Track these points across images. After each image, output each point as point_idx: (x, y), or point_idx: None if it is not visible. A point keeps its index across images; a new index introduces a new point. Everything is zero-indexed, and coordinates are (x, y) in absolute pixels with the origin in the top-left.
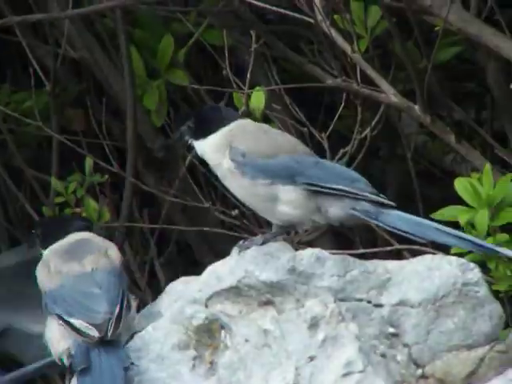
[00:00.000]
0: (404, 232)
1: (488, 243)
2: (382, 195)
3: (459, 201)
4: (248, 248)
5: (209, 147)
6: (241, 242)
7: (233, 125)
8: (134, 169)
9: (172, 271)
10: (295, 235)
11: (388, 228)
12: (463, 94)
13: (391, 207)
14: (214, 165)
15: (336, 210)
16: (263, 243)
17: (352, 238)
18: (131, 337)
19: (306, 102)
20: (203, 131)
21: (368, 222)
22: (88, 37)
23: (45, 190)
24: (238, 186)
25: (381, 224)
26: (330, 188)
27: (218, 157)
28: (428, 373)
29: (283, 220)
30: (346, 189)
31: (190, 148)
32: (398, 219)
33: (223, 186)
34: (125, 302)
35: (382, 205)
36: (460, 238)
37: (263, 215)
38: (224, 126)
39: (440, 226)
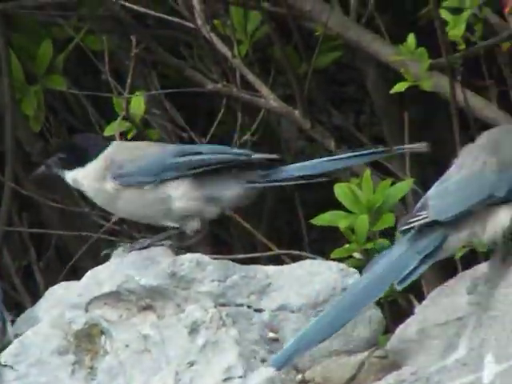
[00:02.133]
0: (306, 177)
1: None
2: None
3: (339, 206)
4: (134, 249)
5: (88, 174)
6: (128, 244)
7: (108, 149)
8: (12, 173)
9: (51, 276)
10: (177, 240)
11: (289, 182)
12: (342, 98)
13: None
14: (95, 191)
15: (228, 192)
16: (149, 246)
17: (232, 243)
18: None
19: (186, 107)
20: (78, 160)
21: (264, 184)
22: None
23: None
24: (126, 202)
25: (275, 182)
26: (216, 163)
27: (100, 182)
28: (308, 378)
29: (181, 217)
30: (232, 158)
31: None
32: (294, 170)
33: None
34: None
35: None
36: (348, 157)
37: (159, 222)
38: (100, 151)
39: (324, 158)
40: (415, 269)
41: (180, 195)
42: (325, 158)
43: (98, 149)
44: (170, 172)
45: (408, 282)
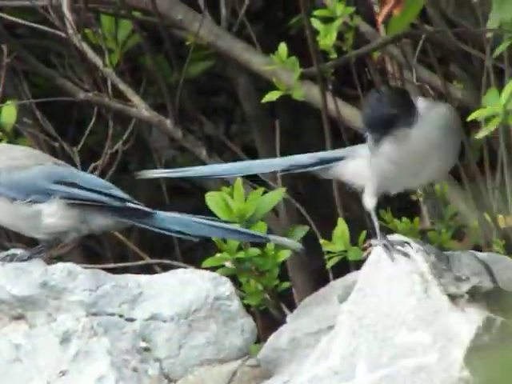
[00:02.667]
0: (174, 232)
1: (256, 231)
2: (137, 202)
3: (212, 214)
4: (12, 261)
5: None
6: (0, 255)
7: None
8: None
9: None
10: (50, 249)
11: (157, 230)
12: (213, 108)
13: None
14: None
15: (100, 219)
16: (29, 258)
17: (103, 253)
18: None
19: (56, 116)
20: None
21: (137, 225)
22: None
23: None
24: None
25: (150, 227)
26: (88, 200)
27: None
28: None
29: (50, 233)
30: (105, 200)
31: None
32: (170, 222)
33: None
34: None
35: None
36: (227, 229)
37: (28, 234)
38: None
39: (202, 220)
40: None
41: (51, 212)
42: (204, 221)
43: None
44: (43, 196)
45: None
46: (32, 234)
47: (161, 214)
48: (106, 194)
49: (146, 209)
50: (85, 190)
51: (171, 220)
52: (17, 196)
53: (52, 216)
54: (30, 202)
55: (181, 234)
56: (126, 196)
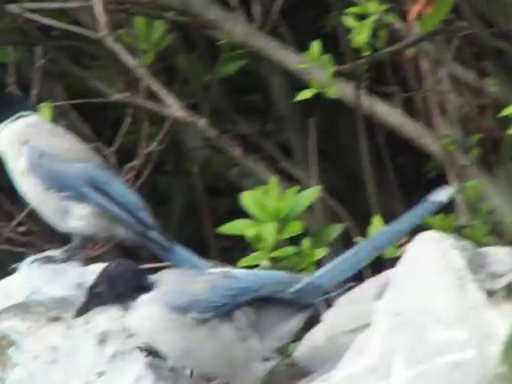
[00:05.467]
0: None
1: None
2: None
3: (246, 214)
4: (48, 263)
5: (5, 139)
6: (37, 256)
7: (32, 118)
8: None
9: None
10: (86, 249)
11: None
12: (248, 107)
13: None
14: (9, 159)
15: (125, 234)
16: (65, 260)
17: (140, 253)
18: None
19: (92, 117)
20: None
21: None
22: None
23: None
24: (30, 189)
25: (164, 258)
26: (115, 217)
27: (14, 152)
28: None
29: (72, 232)
30: (130, 222)
31: None
32: (178, 257)
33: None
34: None
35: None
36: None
37: (51, 223)
38: (20, 117)
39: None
40: None
41: (80, 216)
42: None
43: (17, 112)
44: (76, 195)
45: None
46: (57, 226)
47: (177, 249)
48: (133, 215)
49: (165, 243)
50: (115, 205)
51: (185, 259)
52: (51, 186)
53: (80, 219)
54: (63, 197)
55: None
56: (151, 223)
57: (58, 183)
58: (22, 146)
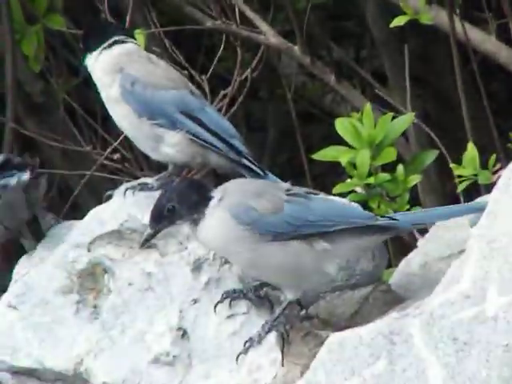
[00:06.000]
0: None
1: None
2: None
3: (340, 141)
4: (143, 190)
5: (99, 66)
6: (131, 184)
7: (126, 46)
8: (13, 114)
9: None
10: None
11: None
12: (342, 33)
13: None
14: (102, 86)
15: (219, 161)
16: (159, 187)
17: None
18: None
19: (185, 44)
20: (95, 43)
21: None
22: None
23: None
24: (123, 117)
25: None
26: (208, 143)
27: (108, 80)
28: (312, 314)
29: (165, 160)
30: (223, 149)
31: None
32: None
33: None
34: None
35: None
36: None
37: (144, 151)
38: (116, 43)
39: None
40: None
41: (173, 143)
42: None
43: (112, 38)
44: (168, 122)
45: None
46: (148, 153)
47: (270, 176)
48: (226, 142)
49: (259, 170)
50: (208, 132)
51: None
52: (143, 113)
53: (172, 147)
54: (155, 124)
55: None
56: (244, 150)
57: (150, 110)
58: (116, 73)
